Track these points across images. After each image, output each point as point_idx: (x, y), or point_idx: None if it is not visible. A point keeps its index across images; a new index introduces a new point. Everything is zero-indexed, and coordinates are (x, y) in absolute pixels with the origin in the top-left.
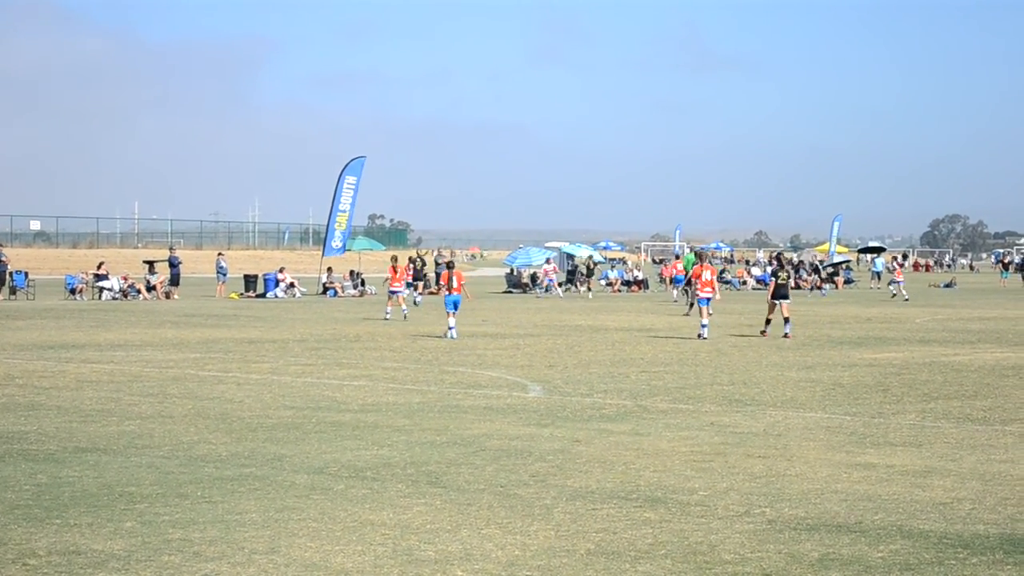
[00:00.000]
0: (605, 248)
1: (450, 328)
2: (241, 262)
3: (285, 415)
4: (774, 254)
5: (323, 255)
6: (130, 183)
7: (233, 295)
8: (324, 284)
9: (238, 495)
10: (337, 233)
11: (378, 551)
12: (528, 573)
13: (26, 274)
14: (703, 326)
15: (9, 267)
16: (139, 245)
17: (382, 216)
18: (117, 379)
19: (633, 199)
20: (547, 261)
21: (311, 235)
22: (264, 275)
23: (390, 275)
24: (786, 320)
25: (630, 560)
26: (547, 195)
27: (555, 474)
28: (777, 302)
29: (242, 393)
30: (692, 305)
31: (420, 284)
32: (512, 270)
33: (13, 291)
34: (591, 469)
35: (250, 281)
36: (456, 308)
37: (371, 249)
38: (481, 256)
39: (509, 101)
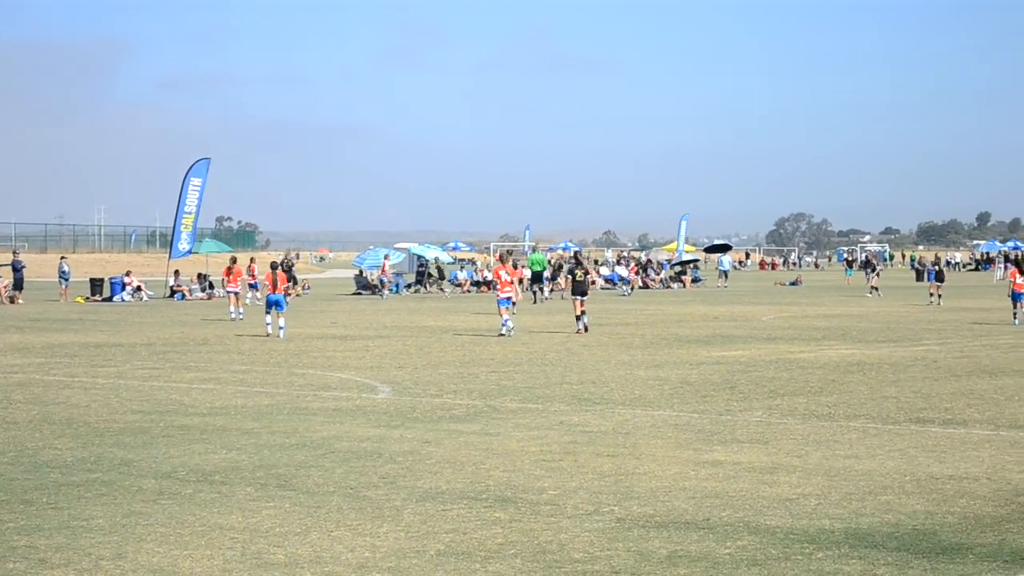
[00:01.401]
0: (454, 249)
1: (267, 324)
2: (87, 265)
3: (132, 419)
4: (572, 253)
5: (170, 258)
6: None
7: (79, 299)
8: (171, 287)
9: (84, 501)
10: (183, 235)
11: (227, 555)
12: (378, 575)
13: None
14: (504, 320)
15: None
16: None
17: (230, 218)
18: None
19: (482, 200)
20: (385, 258)
21: (158, 238)
22: (111, 278)
23: (224, 276)
24: (582, 314)
25: (480, 560)
26: (397, 196)
27: (405, 475)
28: (576, 298)
29: (88, 398)
30: (535, 301)
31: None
32: (361, 271)
33: None
34: (441, 470)
35: (96, 285)
36: (280, 308)
37: (218, 251)
38: (326, 259)
39: (360, 102)
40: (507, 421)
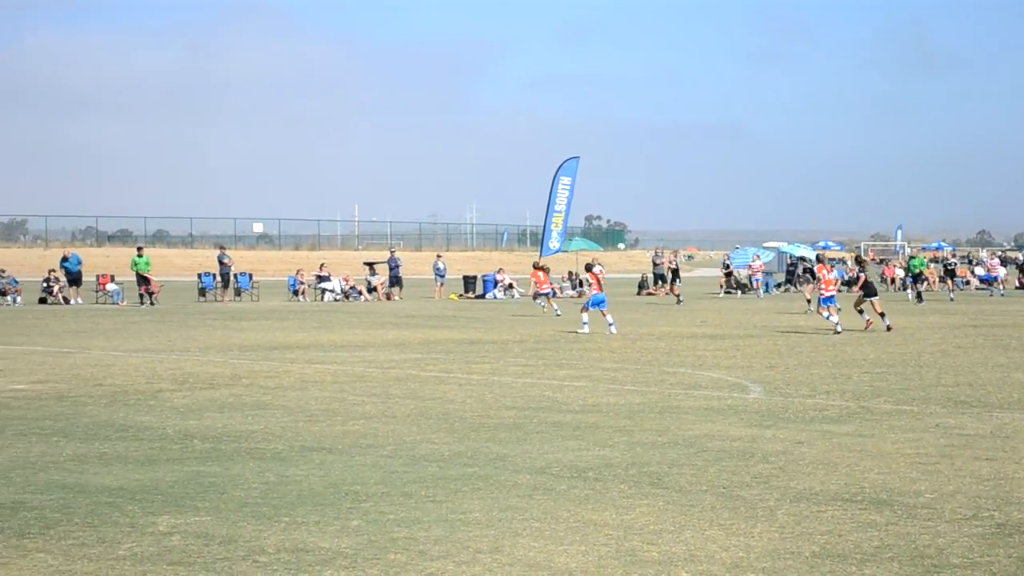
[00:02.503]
0: (824, 248)
1: (609, 326)
2: (460, 263)
3: (506, 415)
4: (854, 256)
5: (540, 255)
6: (350, 185)
7: (453, 296)
8: None
9: (461, 494)
10: (554, 234)
11: (601, 551)
12: (753, 575)
13: (250, 276)
14: (833, 320)
15: (233, 269)
16: (359, 247)
17: (599, 217)
18: (340, 379)
19: (852, 198)
20: (755, 258)
21: (528, 236)
22: (483, 276)
23: (534, 280)
24: (882, 315)
25: (856, 563)
26: (765, 195)
27: (778, 475)
28: (868, 299)
29: (463, 393)
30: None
31: (669, 285)
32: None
33: (238, 292)
34: (814, 471)
35: (469, 282)
36: (603, 305)
37: (588, 250)
38: (694, 257)
39: (726, 101)
40: (881, 423)
